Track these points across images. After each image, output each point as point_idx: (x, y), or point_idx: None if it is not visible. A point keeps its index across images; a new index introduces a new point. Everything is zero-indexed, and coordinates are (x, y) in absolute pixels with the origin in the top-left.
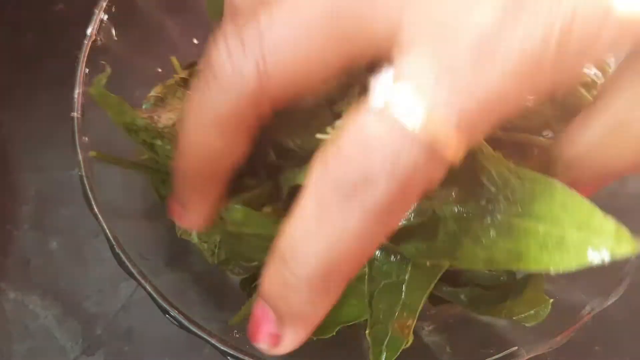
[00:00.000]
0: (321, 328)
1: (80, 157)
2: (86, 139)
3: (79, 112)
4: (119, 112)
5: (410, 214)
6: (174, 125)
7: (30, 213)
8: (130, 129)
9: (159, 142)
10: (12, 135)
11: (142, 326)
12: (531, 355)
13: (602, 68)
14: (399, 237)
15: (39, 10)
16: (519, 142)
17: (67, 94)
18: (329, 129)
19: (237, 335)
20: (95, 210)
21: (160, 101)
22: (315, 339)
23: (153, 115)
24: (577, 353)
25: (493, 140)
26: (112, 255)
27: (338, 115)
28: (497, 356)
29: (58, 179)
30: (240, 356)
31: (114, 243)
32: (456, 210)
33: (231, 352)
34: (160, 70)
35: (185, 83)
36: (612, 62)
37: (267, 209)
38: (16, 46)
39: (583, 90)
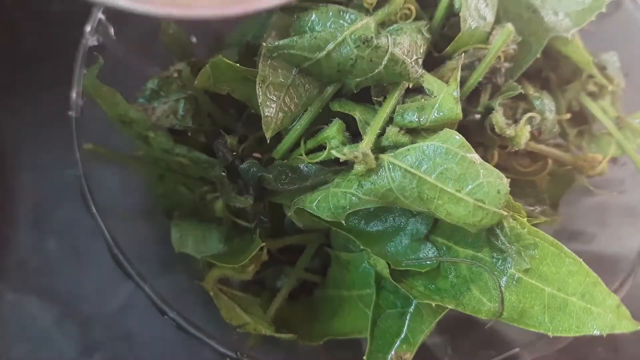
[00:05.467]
0: (309, 335)
1: (78, 156)
2: (84, 138)
3: (77, 111)
4: (111, 103)
5: (427, 251)
6: (168, 117)
7: (28, 213)
8: (123, 121)
9: (152, 134)
10: (9, 135)
11: (140, 328)
12: (533, 357)
13: (608, 77)
14: (409, 273)
15: (37, 10)
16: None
17: (65, 93)
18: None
19: (236, 337)
20: (94, 210)
21: (156, 94)
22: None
23: (147, 108)
24: (579, 354)
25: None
26: (110, 256)
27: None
28: (498, 358)
29: (55, 179)
30: (240, 358)
31: (112, 244)
32: (471, 254)
33: (230, 354)
34: (158, 69)
35: (180, 75)
36: (620, 75)
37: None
38: (14, 46)
39: (589, 99)
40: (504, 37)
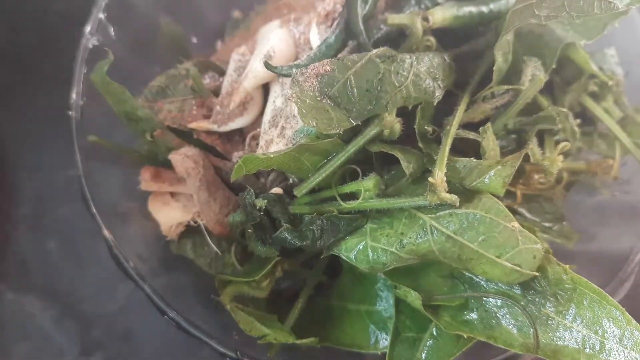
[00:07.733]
0: (319, 337)
1: (78, 156)
2: (84, 138)
3: (77, 112)
4: (119, 100)
5: (456, 286)
6: (174, 116)
7: (28, 213)
8: (130, 118)
9: (158, 132)
10: (9, 135)
11: (140, 328)
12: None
13: (610, 76)
14: (438, 307)
15: (37, 10)
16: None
17: (65, 93)
18: None
19: (236, 337)
20: (94, 210)
21: (162, 91)
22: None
23: (153, 106)
24: None
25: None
26: (110, 256)
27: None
28: (498, 358)
29: (56, 179)
30: (240, 358)
31: (112, 244)
32: (501, 290)
33: (230, 354)
34: (158, 69)
35: (188, 74)
36: (619, 71)
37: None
38: (14, 45)
39: (591, 100)
40: (535, 87)
